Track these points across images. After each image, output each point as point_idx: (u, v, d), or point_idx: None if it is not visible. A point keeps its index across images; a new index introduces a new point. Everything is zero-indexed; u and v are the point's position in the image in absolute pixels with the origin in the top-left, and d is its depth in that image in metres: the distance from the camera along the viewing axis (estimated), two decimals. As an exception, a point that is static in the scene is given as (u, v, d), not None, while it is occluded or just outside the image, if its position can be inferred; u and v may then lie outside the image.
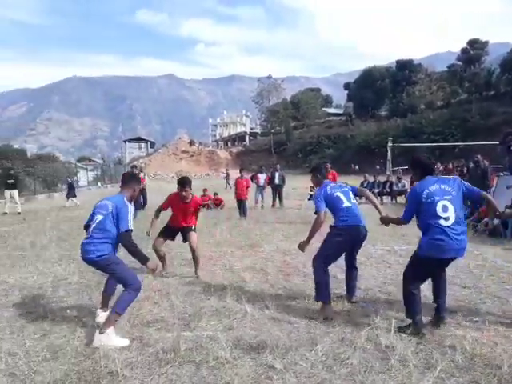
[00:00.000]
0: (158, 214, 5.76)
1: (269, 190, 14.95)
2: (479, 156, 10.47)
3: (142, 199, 13.26)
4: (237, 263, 6.11)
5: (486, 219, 8.79)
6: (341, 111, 67.21)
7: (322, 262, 4.04)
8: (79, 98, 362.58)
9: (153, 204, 14.85)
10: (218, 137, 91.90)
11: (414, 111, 48.84)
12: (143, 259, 3.54)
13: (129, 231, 3.47)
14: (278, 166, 15.50)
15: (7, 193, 14.68)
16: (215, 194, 15.43)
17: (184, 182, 5.44)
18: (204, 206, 14.93)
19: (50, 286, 5.06)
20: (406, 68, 55.02)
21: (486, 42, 49.05)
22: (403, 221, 3.66)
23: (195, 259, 5.50)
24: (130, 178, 3.87)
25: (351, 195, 4.25)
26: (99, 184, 34.15)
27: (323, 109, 68.52)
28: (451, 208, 3.40)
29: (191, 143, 75.70)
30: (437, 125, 41.43)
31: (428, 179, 3.55)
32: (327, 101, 76.96)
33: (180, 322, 3.77)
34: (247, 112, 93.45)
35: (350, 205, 4.12)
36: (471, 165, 10.27)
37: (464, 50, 49.43)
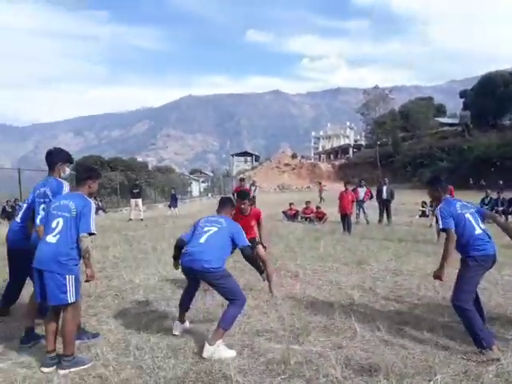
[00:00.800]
0: None
1: (372, 204, 14.34)
2: None
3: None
4: (343, 280, 5.96)
5: None
6: (456, 121, 61.84)
7: (467, 301, 3.45)
8: (193, 116, 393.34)
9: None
10: (320, 149, 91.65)
11: (547, 119, 42.78)
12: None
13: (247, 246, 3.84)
14: (387, 179, 14.80)
15: (132, 201, 16.49)
16: (318, 207, 15.35)
17: (243, 195, 5.53)
18: (306, 220, 15.01)
19: (169, 288, 5.52)
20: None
21: None
22: None
23: (268, 274, 5.18)
24: (226, 202, 4.23)
25: (479, 218, 3.68)
26: (209, 195, 36.43)
27: (436, 118, 63.81)
28: None
29: (293, 156, 76.77)
30: None
31: None
32: (440, 110, 71.44)
33: (289, 335, 3.80)
34: (351, 124, 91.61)
35: (481, 231, 3.56)
36: None
37: None
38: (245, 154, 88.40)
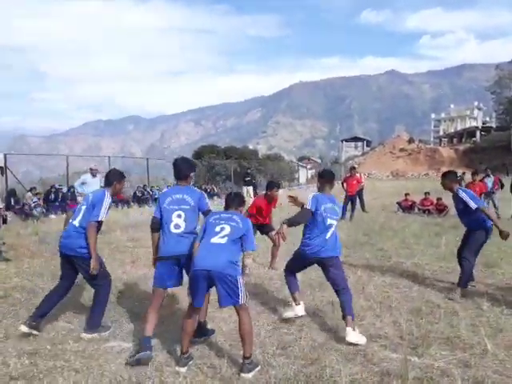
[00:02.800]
0: None
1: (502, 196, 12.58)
2: None
3: (359, 200, 13.26)
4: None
5: None
6: None
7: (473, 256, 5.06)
8: (302, 102, 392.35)
9: (369, 205, 14.71)
10: (441, 133, 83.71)
11: None
12: None
13: None
14: (489, 170, 12.92)
15: (244, 189, 17.14)
16: (439, 198, 14.02)
17: (275, 183, 6.37)
18: (424, 212, 13.83)
19: (278, 278, 5.56)
20: None
21: None
22: None
23: (274, 253, 6.22)
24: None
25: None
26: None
27: None
28: None
29: (410, 141, 71.40)
30: None
31: None
32: None
33: (406, 344, 3.51)
34: (480, 104, 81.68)
35: None
36: None
37: None
38: (355, 139, 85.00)
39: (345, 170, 39.62)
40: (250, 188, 17.14)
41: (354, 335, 3.56)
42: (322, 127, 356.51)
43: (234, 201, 3.58)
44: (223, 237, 3.22)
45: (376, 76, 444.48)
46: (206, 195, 3.73)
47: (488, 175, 12.96)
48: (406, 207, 14.28)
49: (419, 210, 13.97)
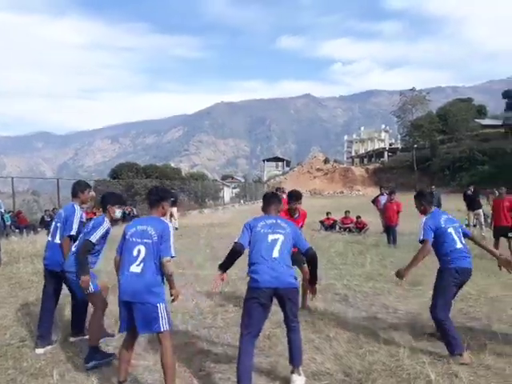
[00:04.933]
0: None
1: (411, 211, 13.44)
2: None
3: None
4: (400, 306, 5.35)
5: None
6: (499, 122, 59.01)
7: (446, 311, 3.76)
8: (224, 122, 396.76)
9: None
10: (353, 153, 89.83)
11: None
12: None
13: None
14: (434, 187, 13.97)
15: (168, 210, 16.33)
16: (358, 216, 14.62)
17: (298, 195, 5.21)
18: (345, 230, 14.31)
19: (209, 312, 5.11)
20: None
21: None
22: None
23: (305, 289, 4.83)
24: (274, 197, 3.68)
25: (461, 233, 3.95)
26: (241, 201, 36.18)
27: (476, 120, 61.13)
28: None
29: (326, 161, 75.50)
30: None
31: None
32: (480, 111, 68.44)
33: (350, 381, 3.28)
34: (386, 127, 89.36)
35: (461, 246, 3.85)
36: None
37: None
38: (276, 159, 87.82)
39: (267, 188, 40.35)
40: (175, 209, 16.39)
41: (300, 381, 3.24)
42: (244, 147, 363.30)
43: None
44: (139, 264, 3.02)
45: (293, 99, 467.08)
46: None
47: (382, 194, 13.20)
48: (328, 225, 14.67)
49: (340, 228, 14.42)
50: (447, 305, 3.77)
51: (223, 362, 3.67)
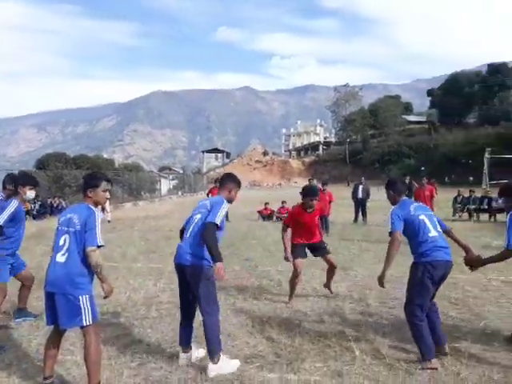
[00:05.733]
0: (285, 233, 5.27)
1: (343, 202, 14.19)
2: None
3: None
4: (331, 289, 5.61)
5: None
6: (423, 119, 63.58)
7: (416, 311, 3.32)
8: (161, 111, 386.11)
9: (232, 215, 14.93)
10: (290, 146, 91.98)
11: (508, 119, 44.54)
12: (218, 256, 3.09)
13: (215, 223, 3.20)
14: (363, 178, 14.70)
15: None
16: (294, 207, 15.02)
17: (315, 191, 5.13)
18: (282, 220, 14.67)
19: (142, 303, 5.00)
20: (498, 72, 50.51)
21: None
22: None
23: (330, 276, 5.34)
24: (226, 179, 3.64)
25: (436, 221, 3.55)
26: (179, 193, 35.57)
27: (403, 116, 65.33)
28: None
29: (265, 153, 76.63)
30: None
31: None
32: (407, 108, 73.24)
33: (281, 361, 3.39)
34: (321, 121, 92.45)
35: (436, 234, 3.42)
36: None
37: None
38: (215, 150, 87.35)
39: (207, 180, 40.06)
40: (107, 204, 15.68)
41: (215, 369, 3.17)
42: (182, 138, 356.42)
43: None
44: (64, 253, 2.89)
45: (233, 91, 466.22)
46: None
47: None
48: (266, 215, 14.95)
49: (277, 218, 14.75)
50: (422, 304, 3.32)
51: (156, 351, 3.62)
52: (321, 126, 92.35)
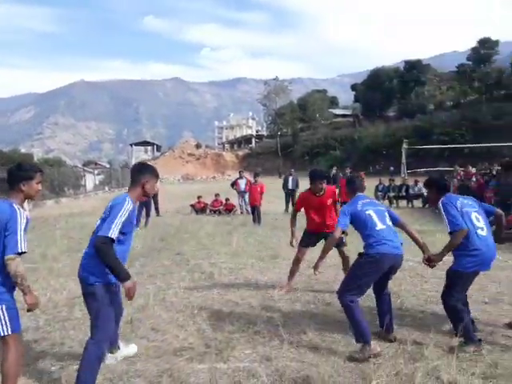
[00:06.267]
0: (294, 219, 5.24)
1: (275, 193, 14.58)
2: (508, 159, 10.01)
3: (153, 205, 12.94)
4: (261, 277, 5.74)
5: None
6: (348, 112, 66.76)
7: (349, 296, 3.35)
8: (85, 102, 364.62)
9: (164, 209, 14.61)
10: (224, 139, 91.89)
11: (422, 112, 48.32)
12: (122, 274, 2.66)
13: (107, 238, 2.65)
14: (293, 170, 15.16)
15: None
16: (227, 199, 15.10)
17: (322, 174, 5.03)
18: (215, 212, 14.66)
19: (64, 304, 4.72)
20: (414, 68, 54.47)
21: (497, 41, 48.43)
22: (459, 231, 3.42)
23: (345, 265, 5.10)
24: (136, 172, 3.00)
25: (387, 215, 3.61)
26: (106, 188, 33.96)
27: (330, 110, 68.11)
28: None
29: (197, 146, 75.69)
30: (446, 126, 40.92)
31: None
32: (333, 102, 76.50)
33: (212, 351, 3.40)
34: (253, 114, 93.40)
35: (384, 227, 3.47)
36: (497, 168, 9.86)
37: (474, 50, 48.81)
38: (145, 143, 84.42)
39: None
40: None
41: (110, 358, 3.20)
42: (108, 130, 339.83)
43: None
44: None
45: (162, 82, 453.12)
46: None
47: (241, 177, 14.26)
48: (199, 209, 14.81)
49: (211, 211, 14.69)
50: (357, 290, 3.36)
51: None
52: (253, 119, 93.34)
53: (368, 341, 3.22)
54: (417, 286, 5.28)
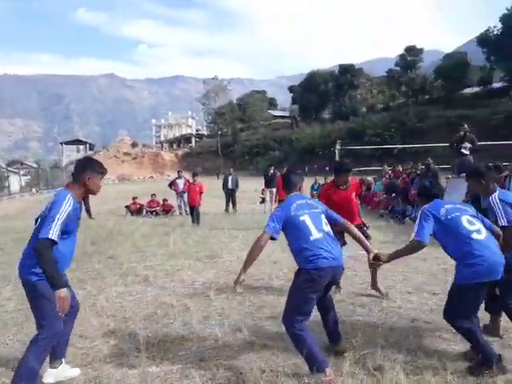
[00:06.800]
0: None
1: (215, 193, 14.56)
2: (430, 159, 10.82)
3: (84, 207, 12.31)
4: (198, 278, 5.67)
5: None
6: (286, 114, 68.25)
7: (295, 321, 2.90)
8: (10, 98, 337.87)
9: (96, 212, 13.91)
10: (162, 138, 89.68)
11: (355, 114, 50.74)
12: (57, 281, 2.48)
13: (47, 240, 2.50)
14: (232, 169, 15.20)
15: None
16: (164, 199, 14.76)
17: (347, 167, 4.71)
18: (152, 213, 14.27)
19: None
20: (348, 72, 57.02)
21: (421, 49, 52.11)
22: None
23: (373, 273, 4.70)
24: (78, 168, 2.88)
25: (323, 219, 3.11)
26: (34, 190, 31.72)
27: (269, 111, 69.24)
28: None
29: (134, 145, 73.16)
30: (377, 127, 43.33)
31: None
32: (272, 103, 77.87)
33: (144, 355, 3.29)
34: (193, 113, 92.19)
35: (319, 236, 2.95)
36: (421, 167, 10.62)
37: (401, 56, 52.16)
38: (76, 141, 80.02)
39: (67, 175, 36.47)
40: None
41: (52, 375, 2.91)
42: (36, 128, 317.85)
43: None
44: None
45: (95, 77, 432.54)
46: None
47: (180, 177, 14.23)
48: (135, 210, 14.33)
49: (147, 212, 14.28)
50: (302, 314, 2.90)
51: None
52: (192, 118, 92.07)
53: (324, 367, 2.76)
54: (348, 279, 5.47)
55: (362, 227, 4.59)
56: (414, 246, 3.13)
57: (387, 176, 14.15)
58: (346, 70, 57.65)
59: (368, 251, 3.29)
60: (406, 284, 5.18)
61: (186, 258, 6.91)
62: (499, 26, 42.03)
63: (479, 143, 10.53)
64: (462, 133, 9.84)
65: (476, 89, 46.65)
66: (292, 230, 3.00)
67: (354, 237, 3.28)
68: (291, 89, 68.19)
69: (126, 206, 14.54)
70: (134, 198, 14.85)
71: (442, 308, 3.21)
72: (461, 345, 3.33)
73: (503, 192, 3.41)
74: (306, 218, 2.99)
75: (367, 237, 4.42)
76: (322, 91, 57.28)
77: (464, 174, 9.78)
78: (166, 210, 14.21)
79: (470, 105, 40.86)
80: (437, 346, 3.41)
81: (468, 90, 46.68)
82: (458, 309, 2.99)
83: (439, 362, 3.04)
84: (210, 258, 6.87)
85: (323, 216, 3.11)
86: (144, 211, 14.35)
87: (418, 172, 11.22)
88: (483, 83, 46.09)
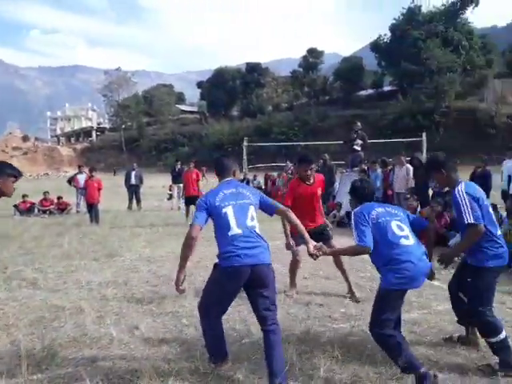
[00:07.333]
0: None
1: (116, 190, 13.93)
2: (326, 155, 11.58)
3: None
4: (94, 278, 5.35)
5: (333, 212, 9.77)
6: (195, 109, 67.45)
7: (211, 317, 2.86)
8: None
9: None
10: (58, 132, 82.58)
11: (262, 112, 52.11)
12: None
13: None
14: (135, 164, 14.61)
15: None
16: (59, 197, 13.64)
17: (309, 159, 4.44)
18: (45, 212, 13.10)
19: None
20: (255, 71, 58.22)
21: (322, 52, 55.27)
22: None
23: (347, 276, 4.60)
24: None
25: (251, 212, 2.84)
26: None
27: (177, 105, 67.75)
28: None
29: (25, 138, 66.33)
30: (283, 126, 45.11)
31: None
32: (180, 98, 76.32)
33: (25, 362, 3.02)
34: (93, 106, 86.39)
35: (239, 231, 2.71)
36: (320, 162, 11.33)
37: (304, 58, 54.82)
38: (-45, 134, 70.10)
39: None
40: None
41: None
42: None
43: None
44: None
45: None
46: None
47: (81, 172, 13.40)
48: (25, 210, 13.04)
49: (39, 211, 13.10)
50: (209, 308, 2.82)
51: None
52: (93, 110, 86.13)
53: (218, 360, 2.83)
54: (319, 277, 5.41)
55: (325, 227, 4.58)
56: (358, 251, 2.96)
57: (289, 171, 14.81)
58: (253, 68, 58.78)
59: (307, 242, 3.08)
60: (302, 270, 5.42)
61: (82, 258, 6.51)
62: (389, 34, 46.31)
63: (369, 141, 11.59)
64: (355, 129, 10.78)
65: (370, 91, 50.97)
66: (215, 220, 2.81)
67: (294, 225, 3.07)
68: (199, 84, 67.53)
69: (15, 206, 13.13)
70: (23, 196, 13.48)
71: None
72: (347, 323, 3.65)
73: (469, 184, 3.10)
74: (228, 211, 2.75)
75: (329, 237, 4.49)
76: (230, 88, 57.73)
77: (356, 168, 10.75)
78: (62, 208, 13.18)
79: (364, 106, 44.64)
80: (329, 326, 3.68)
81: (363, 92, 50.81)
82: (382, 314, 2.80)
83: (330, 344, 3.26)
84: (109, 257, 6.56)
85: (252, 208, 2.83)
86: (36, 210, 13.13)
87: (318, 167, 11.94)
88: (375, 86, 50.53)
